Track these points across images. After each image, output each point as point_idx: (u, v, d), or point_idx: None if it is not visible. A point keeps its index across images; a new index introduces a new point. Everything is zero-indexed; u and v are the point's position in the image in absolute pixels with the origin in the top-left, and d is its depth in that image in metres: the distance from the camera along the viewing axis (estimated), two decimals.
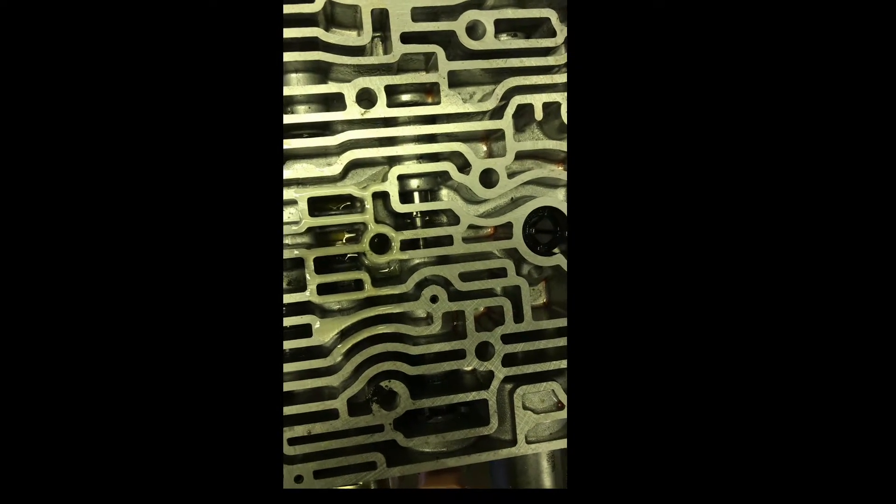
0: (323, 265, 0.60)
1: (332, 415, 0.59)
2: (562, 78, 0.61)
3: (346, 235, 0.65)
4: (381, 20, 0.59)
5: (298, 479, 0.58)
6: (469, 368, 0.63)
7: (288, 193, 0.58)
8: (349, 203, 0.64)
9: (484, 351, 0.62)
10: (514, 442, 0.63)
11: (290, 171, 0.58)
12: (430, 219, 0.67)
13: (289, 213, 0.64)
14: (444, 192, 0.68)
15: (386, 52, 0.61)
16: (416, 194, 0.65)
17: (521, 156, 0.63)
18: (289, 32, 0.56)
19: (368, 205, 0.59)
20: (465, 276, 0.61)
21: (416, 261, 0.65)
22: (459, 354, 0.61)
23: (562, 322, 0.63)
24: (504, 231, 0.63)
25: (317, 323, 0.59)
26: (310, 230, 0.62)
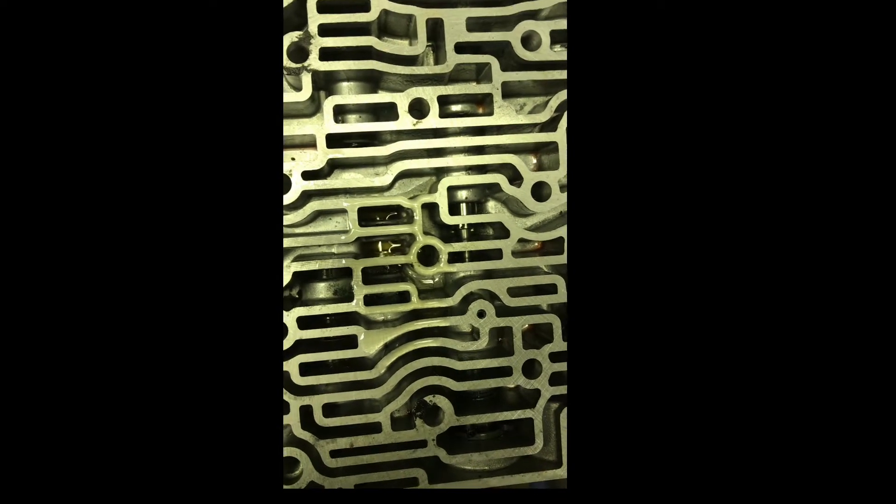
0: (367, 275, 0.59)
1: (374, 428, 0.58)
2: None
3: (392, 246, 0.64)
4: (434, 29, 0.58)
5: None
6: (512, 385, 0.61)
7: (337, 202, 0.58)
8: (395, 213, 0.64)
9: (531, 369, 0.60)
10: (558, 463, 0.61)
11: (340, 180, 0.58)
12: (476, 231, 0.66)
13: (335, 223, 0.64)
14: (491, 204, 0.67)
15: (437, 61, 0.61)
16: (463, 206, 0.64)
17: None
18: (343, 41, 0.55)
19: (417, 216, 0.58)
20: (512, 292, 0.60)
21: (461, 274, 0.64)
22: (506, 371, 0.60)
23: None
24: (554, 246, 0.61)
25: (361, 334, 0.58)
26: (356, 240, 0.61)
